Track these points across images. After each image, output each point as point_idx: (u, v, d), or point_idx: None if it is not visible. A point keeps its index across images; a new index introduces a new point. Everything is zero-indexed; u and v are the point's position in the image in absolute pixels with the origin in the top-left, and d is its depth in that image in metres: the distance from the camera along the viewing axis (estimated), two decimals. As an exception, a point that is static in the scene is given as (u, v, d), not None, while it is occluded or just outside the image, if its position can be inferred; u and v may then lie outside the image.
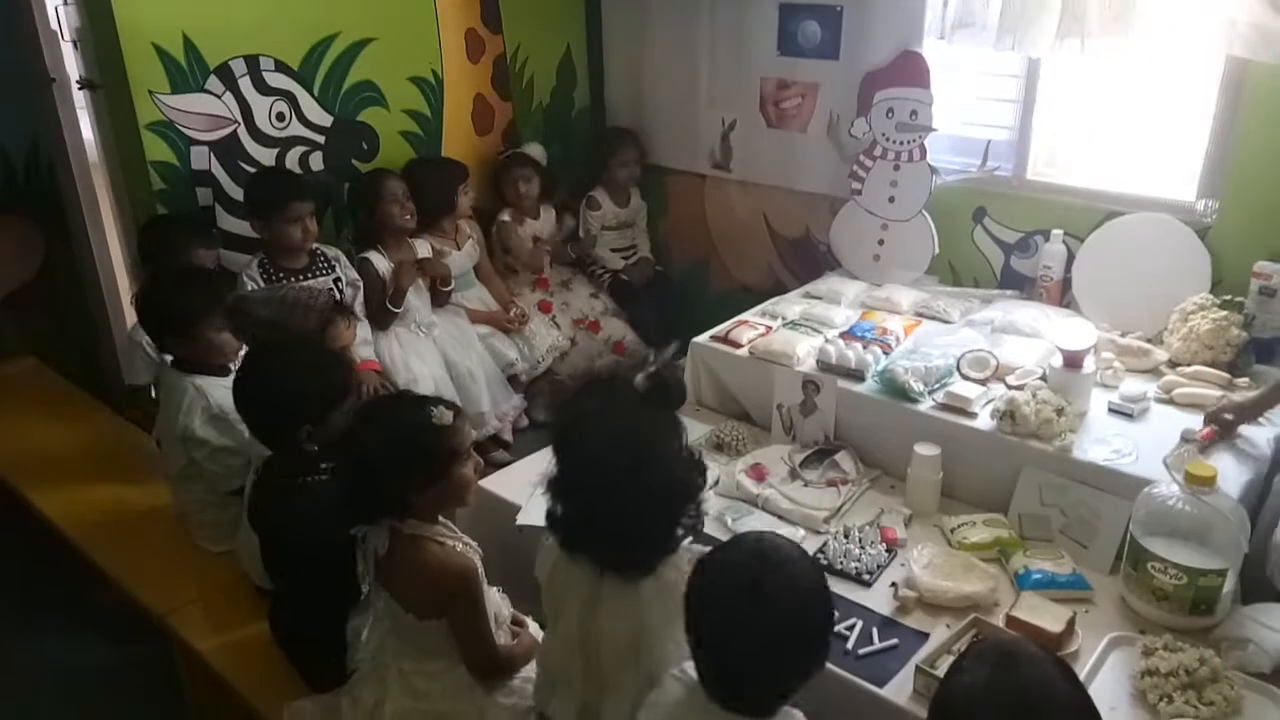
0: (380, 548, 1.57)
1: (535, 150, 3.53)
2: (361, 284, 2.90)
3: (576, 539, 1.48)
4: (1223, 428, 2.04)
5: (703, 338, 2.75)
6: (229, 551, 2.19)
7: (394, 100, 3.21)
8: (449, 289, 3.12)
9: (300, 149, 3.04)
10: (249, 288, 2.65)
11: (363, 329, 2.86)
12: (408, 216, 3.00)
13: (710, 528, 2.16)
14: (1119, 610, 1.85)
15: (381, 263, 2.97)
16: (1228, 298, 2.39)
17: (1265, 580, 1.83)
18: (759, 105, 3.32)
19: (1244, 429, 2.09)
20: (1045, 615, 1.74)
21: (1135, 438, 2.08)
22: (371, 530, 1.58)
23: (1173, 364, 2.36)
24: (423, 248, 3.09)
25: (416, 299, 3.03)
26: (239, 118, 2.87)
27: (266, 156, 2.95)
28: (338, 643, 1.71)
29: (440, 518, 1.63)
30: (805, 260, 3.41)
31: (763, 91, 3.29)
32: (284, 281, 2.73)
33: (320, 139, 3.07)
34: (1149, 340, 2.45)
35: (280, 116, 2.97)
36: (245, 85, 2.85)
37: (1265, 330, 2.35)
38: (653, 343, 3.56)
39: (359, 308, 2.87)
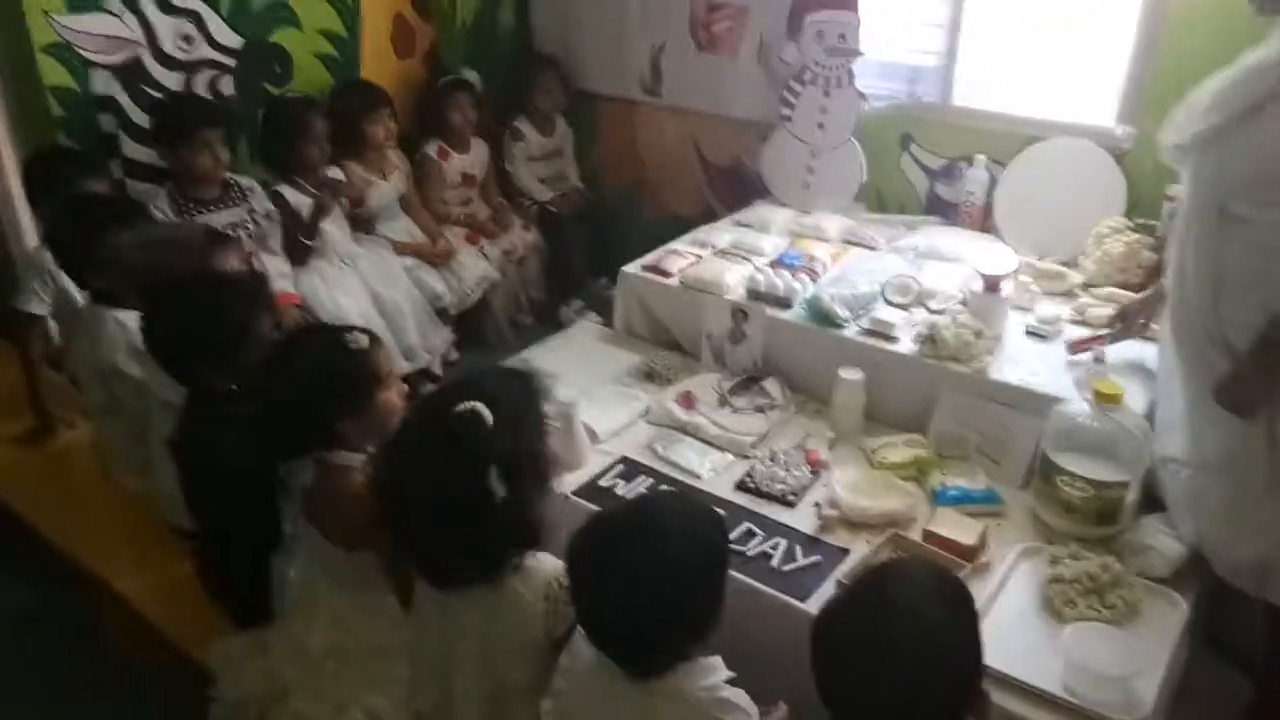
0: (306, 481, 1.55)
1: (473, 77, 3.43)
2: (276, 216, 2.81)
3: (421, 560, 1.42)
4: (1125, 321, 2.13)
5: (633, 267, 2.73)
6: (146, 490, 2.14)
7: (308, 20, 3.08)
8: (364, 212, 3.03)
9: (209, 73, 2.91)
10: (159, 219, 2.54)
11: (279, 262, 2.79)
12: (325, 156, 2.91)
13: (640, 455, 2.19)
14: (1029, 522, 1.93)
15: (294, 196, 2.89)
16: (1141, 221, 2.45)
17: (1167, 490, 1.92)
18: (689, 28, 3.26)
19: (1150, 349, 2.16)
20: (959, 529, 1.81)
21: (1049, 359, 2.15)
22: (297, 464, 1.56)
23: (1087, 286, 2.42)
24: (336, 175, 3.00)
25: (336, 230, 2.96)
26: (142, 39, 2.72)
27: (173, 81, 2.82)
28: (263, 581, 1.70)
29: (368, 448, 1.61)
30: (735, 188, 3.40)
31: (693, 14, 3.23)
32: (195, 213, 2.64)
33: (230, 62, 2.94)
34: (1066, 264, 2.51)
35: (186, 38, 2.83)
36: (147, 5, 2.71)
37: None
38: (581, 273, 3.55)
39: (274, 240, 2.78)
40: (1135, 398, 1.97)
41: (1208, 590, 1.81)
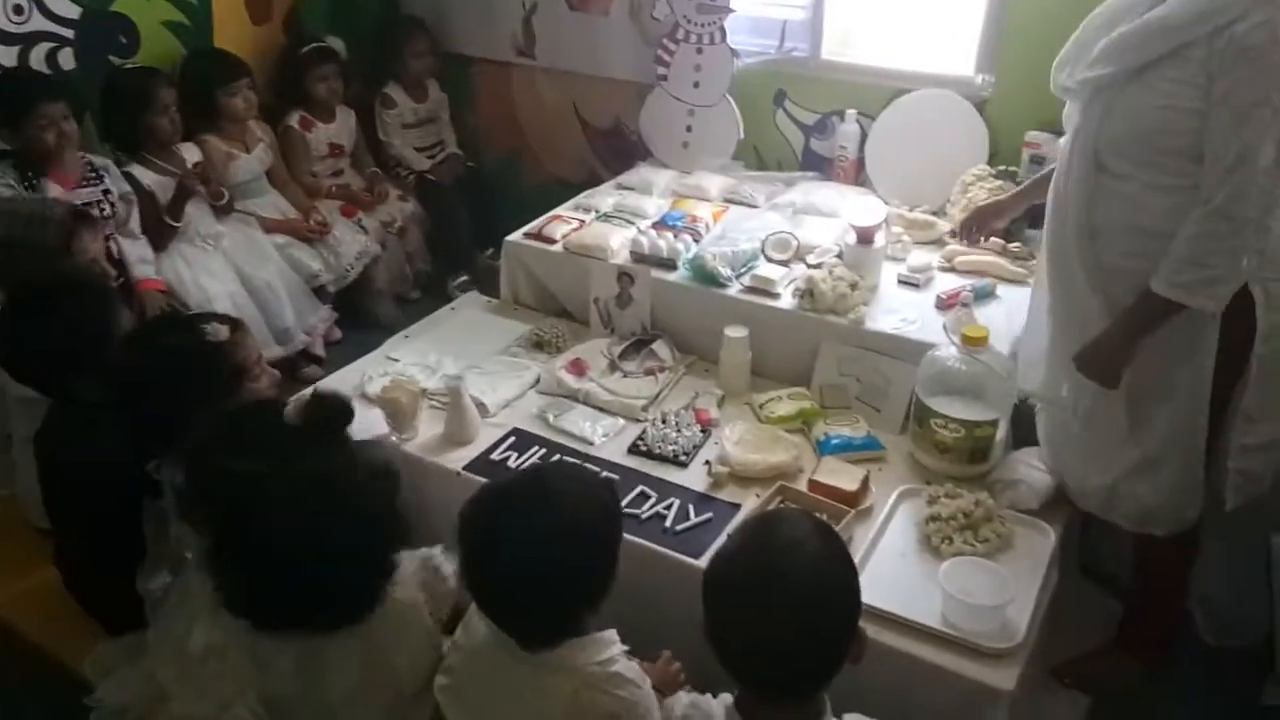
0: (178, 480, 1.48)
1: (337, 44, 3.28)
2: (134, 199, 2.66)
3: (278, 619, 1.33)
4: (966, 233, 2.26)
5: (516, 235, 2.70)
6: (10, 495, 2.02)
7: (152, -14, 2.89)
8: (224, 202, 2.90)
9: (46, 45, 2.71)
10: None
11: (140, 246, 2.64)
12: (177, 130, 2.77)
13: (532, 425, 2.19)
14: (908, 465, 2.01)
15: (147, 175, 2.73)
16: (1003, 168, 2.55)
17: (1034, 426, 2.03)
18: (559, -13, 3.20)
19: (1014, 292, 2.27)
20: (843, 476, 1.87)
21: (921, 306, 2.23)
22: (166, 462, 1.49)
23: (955, 234, 2.51)
24: (190, 152, 2.84)
25: (197, 210, 2.81)
26: (-35, 11, 2.51)
27: (6, 56, 2.62)
28: (131, 587, 1.63)
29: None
30: (618, 150, 3.38)
31: (561, -29, 3.17)
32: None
33: (69, 33, 2.74)
34: (934, 212, 2.60)
35: (17, 9, 2.63)
36: (-31, -26, 2.49)
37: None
38: (466, 244, 3.48)
39: (134, 223, 2.63)
40: (1000, 338, 2.07)
41: (1076, 519, 1.94)
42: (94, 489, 1.61)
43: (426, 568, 1.36)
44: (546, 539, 1.23)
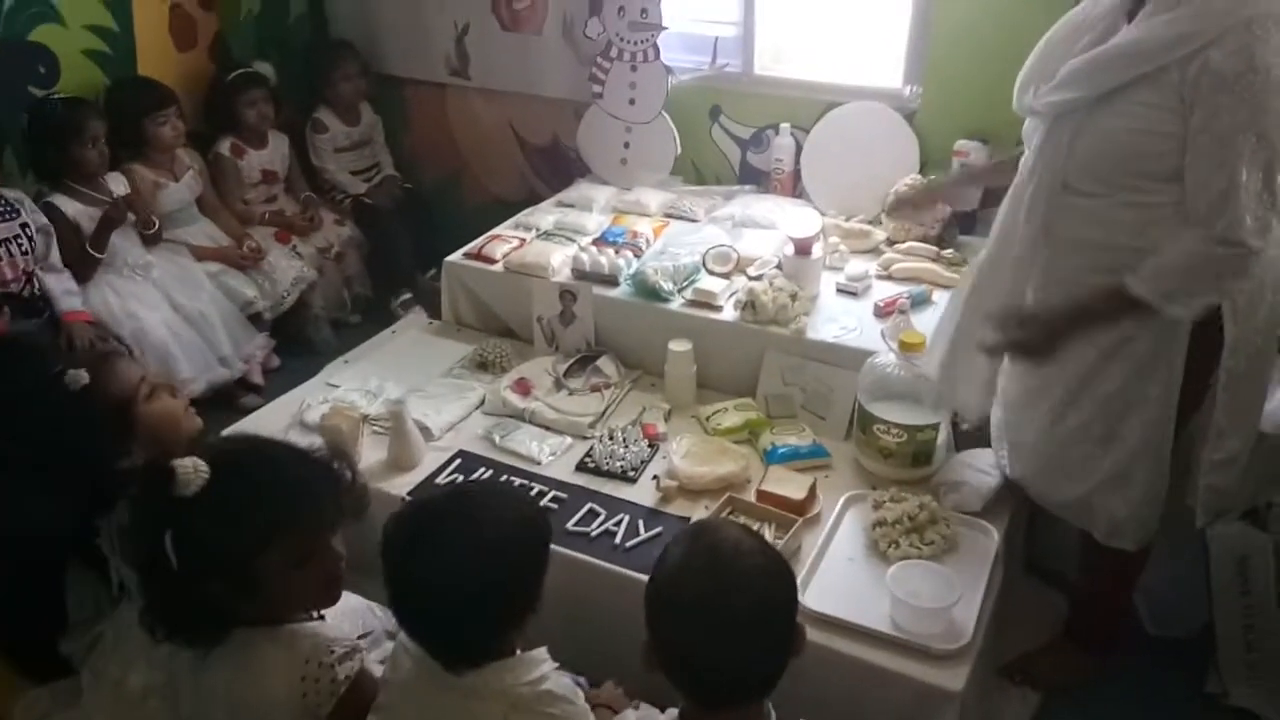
0: (123, 518, 1.43)
1: (265, 69, 3.23)
2: (53, 231, 2.58)
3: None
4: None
5: (456, 256, 2.68)
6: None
7: (71, 15, 2.81)
8: (153, 230, 2.83)
9: (-40, 76, 2.62)
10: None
11: (64, 279, 2.57)
12: (104, 160, 2.70)
13: (478, 447, 2.16)
14: (854, 471, 2.03)
15: (71, 206, 2.66)
16: (933, 176, 2.60)
17: (974, 429, 2.06)
18: (491, 7, 3.19)
19: (948, 296, 2.30)
20: (790, 485, 1.88)
21: (860, 313, 2.26)
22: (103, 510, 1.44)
23: (890, 242, 2.55)
24: (116, 182, 2.77)
25: (124, 240, 2.74)
26: None
27: (-84, 88, 2.52)
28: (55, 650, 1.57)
29: None
30: (556, 167, 3.38)
31: (493, -9, 3.17)
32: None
33: (-16, 63, 2.65)
34: (870, 222, 2.64)
35: (-73, 39, 2.53)
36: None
37: (965, 204, 2.59)
38: (406, 266, 3.44)
39: (54, 256, 2.55)
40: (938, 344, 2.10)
41: (1020, 519, 1.97)
42: (15, 556, 1.54)
43: (316, 660, 1.28)
44: (465, 554, 1.21)
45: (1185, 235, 1.46)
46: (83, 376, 1.43)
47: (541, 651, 1.30)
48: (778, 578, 1.19)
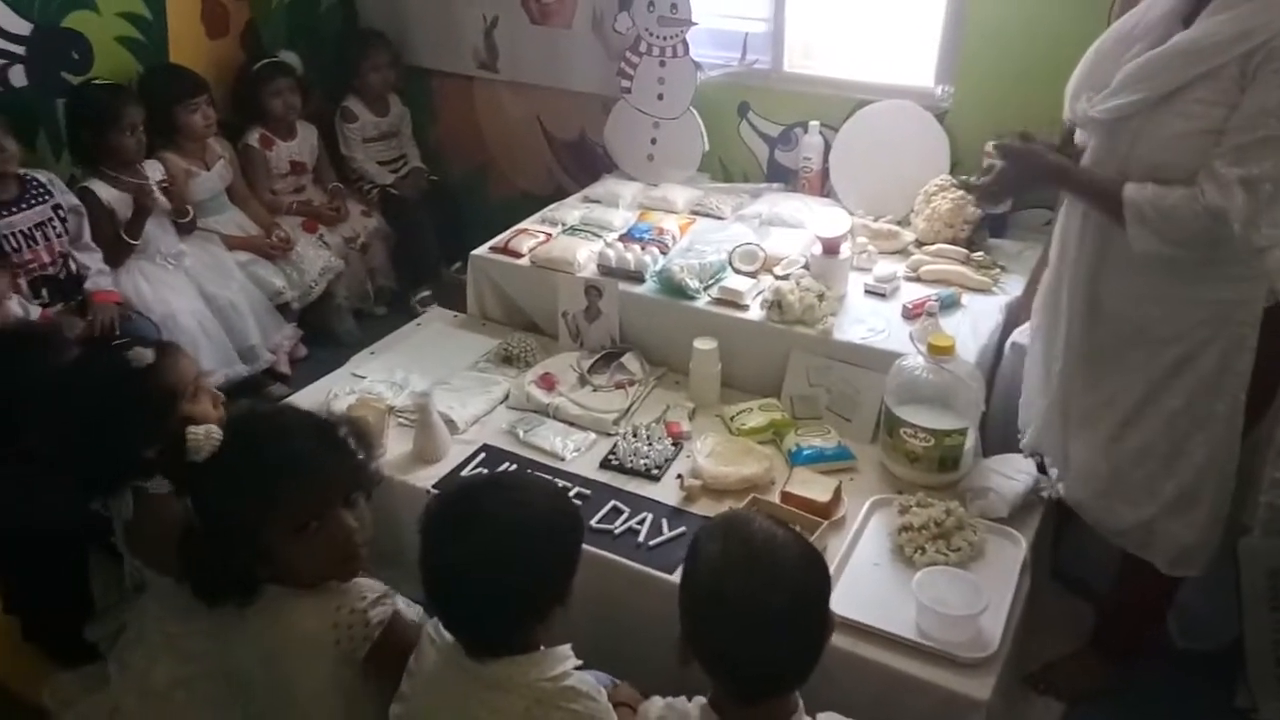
0: (125, 513, 1.45)
1: (292, 59, 3.24)
2: (85, 211, 2.60)
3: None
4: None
5: (482, 249, 2.69)
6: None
7: (105, 2, 2.82)
8: (187, 219, 2.85)
9: (-4, 62, 2.64)
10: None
11: (96, 258, 2.61)
12: (141, 148, 2.72)
13: (502, 441, 2.17)
14: (880, 475, 2.02)
15: (106, 191, 2.68)
16: (965, 177, 2.56)
17: (1002, 434, 2.04)
18: (520, 0, 3.19)
19: (978, 300, 2.30)
20: (815, 487, 1.87)
21: (888, 315, 2.24)
22: (114, 499, 1.46)
23: (919, 243, 2.53)
24: (153, 169, 2.79)
25: (158, 228, 2.76)
26: (-89, 29, 2.44)
27: (-46, 74, 2.55)
28: (81, 636, 1.59)
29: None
30: (583, 162, 3.37)
31: (522, -15, 3.17)
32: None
33: (19, 50, 2.67)
34: (898, 222, 2.62)
35: (-35, 26, 2.56)
36: (-85, -8, 2.43)
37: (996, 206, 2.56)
38: (431, 258, 3.45)
39: (86, 235, 2.59)
40: (967, 347, 2.09)
41: (1048, 526, 1.95)
42: (42, 545, 1.57)
43: (347, 606, 1.31)
44: (500, 538, 1.23)
45: (1195, 185, 1.44)
46: (147, 355, 1.45)
47: (565, 648, 1.30)
48: (813, 568, 1.21)
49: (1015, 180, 1.68)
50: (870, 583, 1.71)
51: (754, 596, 1.15)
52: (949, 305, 2.25)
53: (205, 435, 1.25)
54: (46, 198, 2.53)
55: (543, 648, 1.28)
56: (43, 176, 2.56)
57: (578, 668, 1.30)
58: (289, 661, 1.30)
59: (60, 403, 1.42)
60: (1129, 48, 1.54)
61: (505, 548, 1.22)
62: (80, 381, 1.46)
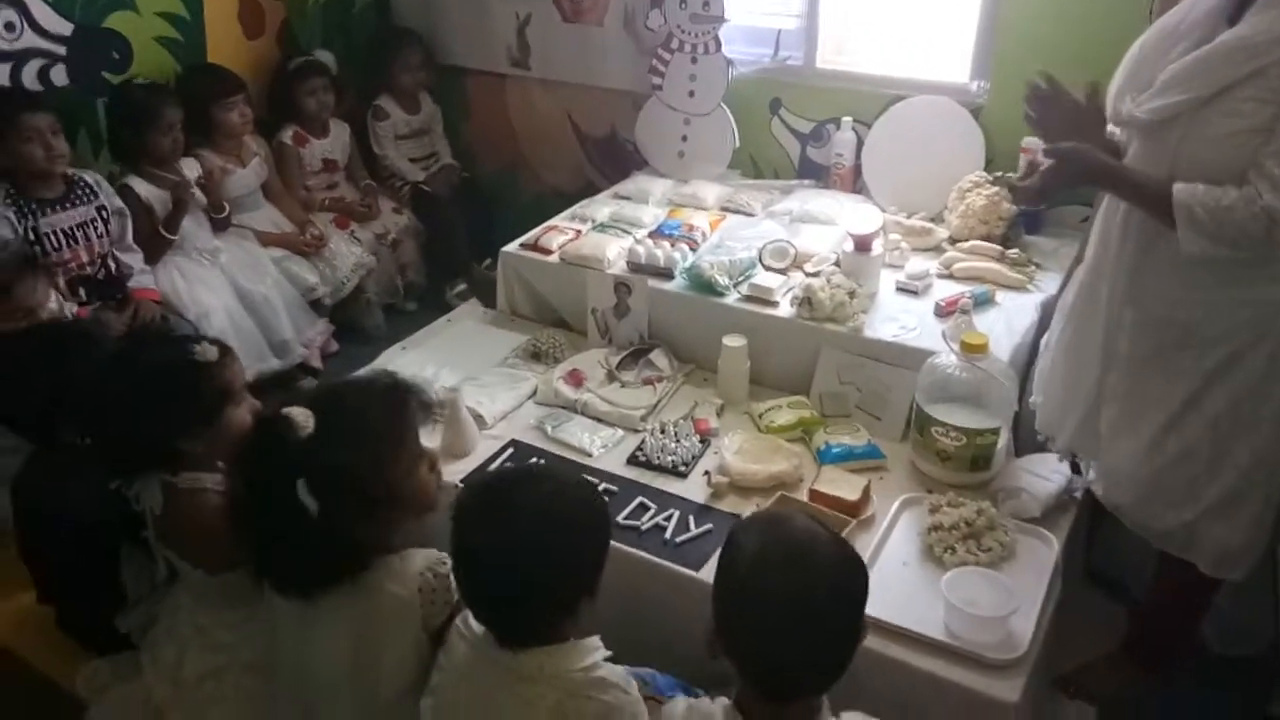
0: (155, 506, 1.47)
1: (326, 58, 3.28)
2: (128, 213, 2.65)
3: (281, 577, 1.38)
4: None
5: (512, 246, 2.69)
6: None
7: (144, 2, 2.88)
8: (223, 215, 2.90)
9: (38, 62, 2.70)
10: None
11: (139, 259, 2.66)
12: (179, 147, 2.77)
13: (530, 437, 2.17)
14: (909, 474, 1.99)
15: (145, 188, 2.73)
16: (999, 174, 2.54)
17: (1035, 433, 2.01)
18: (552, -2, 3.21)
19: (1013, 298, 2.26)
20: (844, 486, 1.86)
21: (920, 313, 2.21)
22: (143, 488, 1.48)
23: (953, 240, 2.50)
24: (190, 167, 2.84)
25: (194, 224, 2.80)
26: (-43, 29, 2.51)
27: (-1, 74, 2.61)
28: (111, 622, 1.63)
29: (220, 464, 1.52)
30: (614, 159, 3.38)
31: (555, -18, 3.18)
32: (38, 214, 2.46)
33: (61, 50, 2.73)
34: (932, 219, 2.59)
35: (9, 26, 2.62)
36: (-39, -8, 2.49)
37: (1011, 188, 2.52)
38: (462, 254, 3.47)
39: (129, 238, 2.64)
40: (1000, 345, 2.06)
41: (1080, 526, 1.92)
42: (75, 536, 1.60)
43: (431, 570, 1.35)
44: (531, 525, 1.24)
45: (1247, 186, 1.41)
46: (212, 352, 1.49)
47: (594, 639, 1.31)
48: (852, 569, 1.20)
49: (1064, 181, 1.64)
50: (899, 582, 1.69)
51: (790, 592, 1.14)
52: (983, 303, 2.23)
53: (304, 413, 1.28)
54: (91, 199, 2.58)
55: (572, 639, 1.29)
56: (90, 178, 2.61)
57: (605, 659, 1.30)
58: (379, 628, 1.33)
59: (118, 378, 1.45)
60: (1173, 46, 1.51)
61: (536, 536, 1.23)
62: (143, 356, 1.50)
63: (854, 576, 1.20)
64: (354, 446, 1.29)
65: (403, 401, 1.38)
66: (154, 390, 1.43)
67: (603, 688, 1.25)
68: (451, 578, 1.33)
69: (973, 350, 1.89)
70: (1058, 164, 1.62)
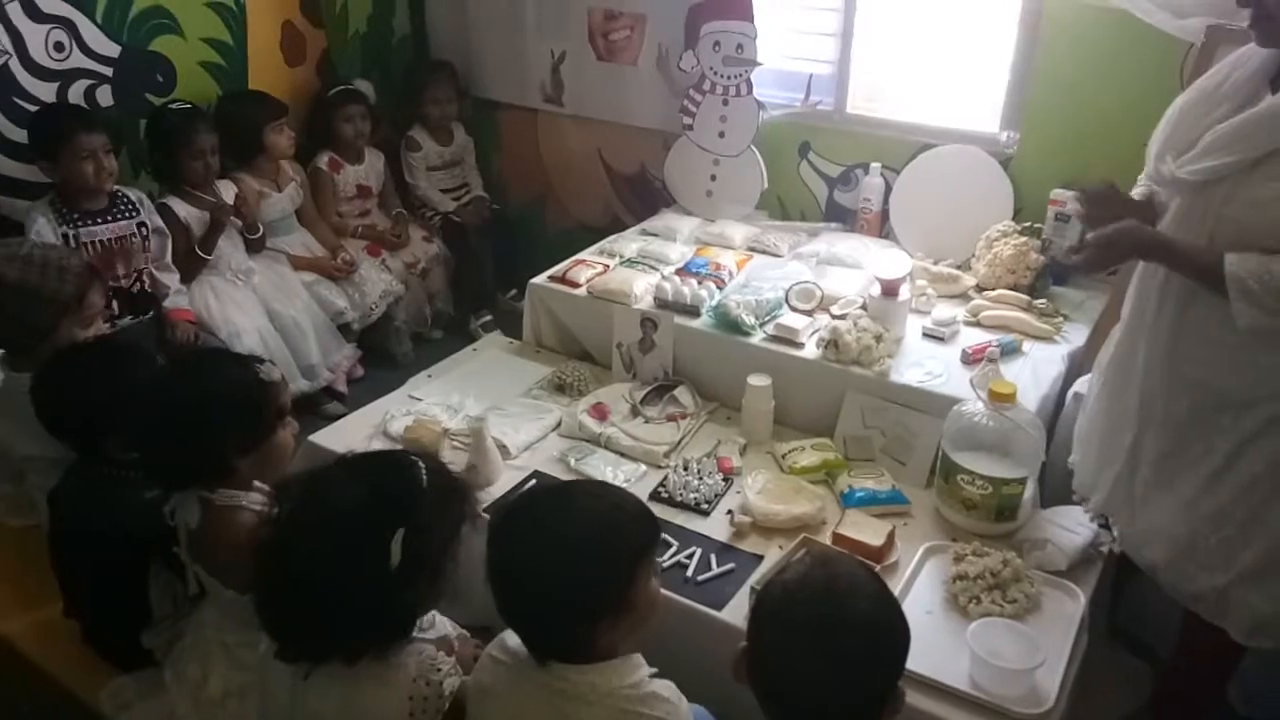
0: (191, 521, 1.48)
1: (365, 87, 3.35)
2: (168, 233, 2.70)
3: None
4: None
5: (540, 278, 2.72)
6: (32, 526, 2.02)
7: (190, 28, 2.95)
8: (257, 236, 2.95)
9: (84, 82, 2.76)
10: (39, 231, 2.43)
11: (173, 279, 2.70)
12: (213, 171, 2.82)
13: (553, 468, 2.18)
14: (934, 521, 1.98)
15: (183, 208, 2.78)
16: (1028, 224, 2.55)
17: (1061, 485, 2.00)
18: (588, 37, 3.26)
19: (1040, 348, 2.27)
20: (867, 530, 1.85)
21: (946, 359, 2.22)
22: (180, 503, 1.50)
23: (980, 288, 2.51)
24: (226, 189, 2.89)
25: (229, 245, 2.85)
26: (9, 48, 2.56)
27: (45, 92, 2.67)
28: (134, 634, 1.64)
29: (255, 483, 1.54)
30: (642, 196, 3.41)
31: (591, 22, 3.23)
32: (81, 225, 2.51)
33: (107, 71, 2.80)
34: (959, 266, 2.60)
35: (59, 46, 2.68)
36: (15, 11, 2.55)
37: (1060, 254, 2.53)
38: (489, 285, 3.50)
39: (168, 257, 2.69)
40: (1028, 395, 2.05)
41: (1106, 582, 1.90)
42: (107, 550, 1.62)
43: (424, 678, 1.30)
44: (566, 538, 1.23)
45: None
46: (276, 372, 1.53)
47: (638, 656, 1.30)
48: (890, 625, 1.19)
49: (1118, 259, 1.63)
50: (922, 631, 1.65)
51: (817, 625, 1.14)
52: (1010, 352, 2.23)
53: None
54: (133, 214, 2.62)
55: (621, 656, 1.28)
56: (133, 195, 2.66)
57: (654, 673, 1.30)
58: None
59: (182, 381, 1.48)
60: (1215, 108, 1.51)
61: (570, 548, 1.22)
62: (215, 373, 1.52)
63: (890, 631, 1.18)
64: (450, 514, 1.31)
65: (464, 497, 1.37)
66: (226, 406, 1.45)
67: (655, 703, 1.25)
68: (444, 684, 1.31)
69: (1001, 399, 1.89)
70: (1109, 246, 1.59)
